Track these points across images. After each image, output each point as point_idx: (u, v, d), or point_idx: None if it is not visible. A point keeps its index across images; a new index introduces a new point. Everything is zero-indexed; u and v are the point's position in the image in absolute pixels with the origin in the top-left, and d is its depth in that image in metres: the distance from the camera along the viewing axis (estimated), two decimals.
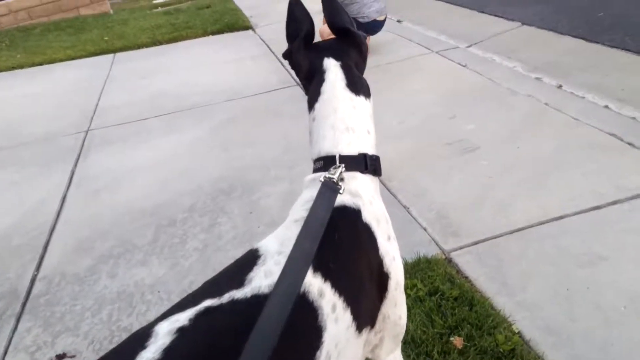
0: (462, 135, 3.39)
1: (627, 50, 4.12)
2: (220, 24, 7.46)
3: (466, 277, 2.20)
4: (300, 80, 1.29)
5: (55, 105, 5.20)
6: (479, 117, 3.61)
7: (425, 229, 2.56)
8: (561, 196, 2.60)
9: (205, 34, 7.24)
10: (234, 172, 3.41)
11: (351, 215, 1.05)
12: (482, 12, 6.01)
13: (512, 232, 2.42)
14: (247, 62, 5.80)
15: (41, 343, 2.23)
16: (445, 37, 5.48)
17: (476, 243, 2.40)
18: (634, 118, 3.23)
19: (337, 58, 1.22)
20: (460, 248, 2.39)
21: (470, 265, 2.27)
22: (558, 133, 3.20)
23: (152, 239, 2.86)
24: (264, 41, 6.49)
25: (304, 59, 1.22)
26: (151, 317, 2.27)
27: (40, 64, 6.79)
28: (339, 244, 1.00)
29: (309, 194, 1.09)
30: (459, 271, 2.25)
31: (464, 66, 4.57)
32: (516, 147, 3.14)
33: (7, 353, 2.20)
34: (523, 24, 5.30)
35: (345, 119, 1.15)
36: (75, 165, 3.85)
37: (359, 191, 1.08)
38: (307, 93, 1.26)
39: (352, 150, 1.12)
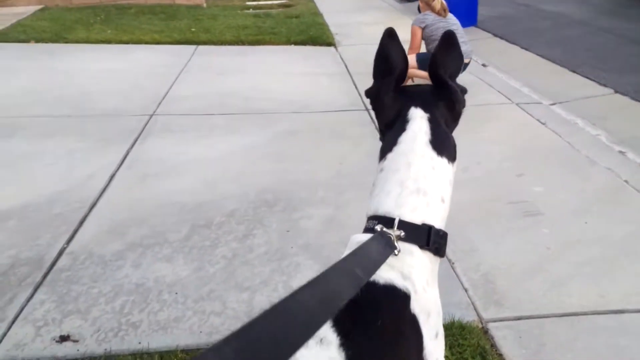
0: (527, 196, 3.15)
1: None
2: (304, 36, 7.48)
3: (500, 355, 1.99)
4: (378, 124, 1.12)
5: (129, 85, 5.30)
6: (549, 180, 3.36)
7: (466, 290, 2.35)
8: (625, 288, 2.33)
9: (288, 42, 7.27)
10: (282, 186, 3.32)
11: (399, 300, 0.87)
12: (574, 71, 5.71)
13: (562, 316, 2.18)
14: (322, 78, 5.74)
15: (49, 319, 2.18)
16: (528, 90, 5.23)
17: (519, 318, 2.18)
18: None
19: (425, 109, 1.04)
20: (501, 320, 2.17)
21: (507, 341, 2.05)
22: (634, 216, 2.91)
23: (185, 236, 2.79)
24: (343, 60, 6.43)
25: (390, 102, 1.05)
26: (162, 318, 2.19)
27: (127, 42, 7.01)
28: (381, 333, 0.82)
29: None
30: (493, 346, 2.04)
31: (543, 124, 4.32)
32: (584, 221, 2.88)
33: (15, 322, 2.16)
34: (616, 91, 4.97)
35: (419, 179, 0.96)
36: (132, 146, 3.87)
37: (412, 273, 0.89)
38: (382, 139, 1.09)
39: (415, 217, 0.94)
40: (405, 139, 1.01)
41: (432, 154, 0.99)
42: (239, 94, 5.09)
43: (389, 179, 0.98)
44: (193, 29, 7.73)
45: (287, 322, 0.50)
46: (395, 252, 0.87)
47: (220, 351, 0.40)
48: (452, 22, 5.01)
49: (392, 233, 0.89)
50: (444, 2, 5.05)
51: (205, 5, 9.91)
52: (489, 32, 7.81)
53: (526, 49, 6.71)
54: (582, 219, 2.90)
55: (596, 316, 2.18)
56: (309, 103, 4.84)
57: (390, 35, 1.05)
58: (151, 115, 4.47)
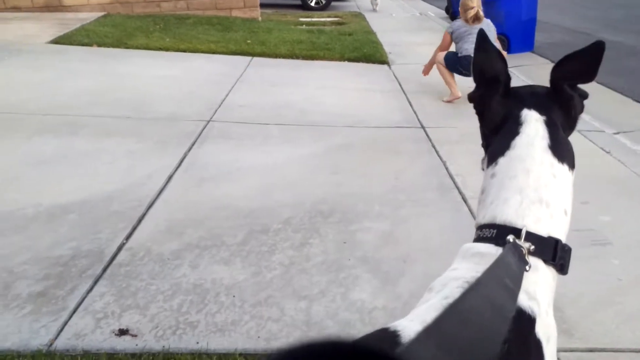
0: (593, 225, 3.02)
1: None
2: (358, 53, 7.49)
3: None
4: (482, 128, 1.06)
5: (186, 91, 5.39)
6: (617, 210, 3.22)
7: None
8: None
9: (342, 58, 7.29)
10: (338, 198, 3.28)
11: (524, 323, 0.78)
12: (638, 101, 5.52)
13: (638, 351, 2.05)
14: (376, 94, 5.71)
15: (109, 312, 2.18)
16: (590, 118, 5.06)
17: (592, 350, 2.06)
18: None
19: (541, 111, 0.96)
20: (572, 350, 2.06)
21: None
22: None
23: (242, 240, 2.77)
24: (397, 78, 6.40)
25: (497, 105, 0.99)
26: (220, 320, 2.16)
27: (184, 51, 7.15)
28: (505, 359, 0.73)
29: (462, 273, 0.84)
30: None
31: (607, 152, 4.16)
32: None
33: (75, 312, 2.17)
34: None
35: (540, 188, 0.88)
36: (189, 150, 3.90)
37: (537, 292, 0.80)
38: (485, 143, 1.03)
39: (540, 229, 0.85)
40: (519, 143, 0.93)
41: (553, 160, 0.91)
42: (294, 106, 5.10)
43: (505, 185, 0.90)
44: (248, 41, 7.84)
45: (477, 321, 0.44)
46: (527, 267, 0.79)
47: (423, 344, 0.35)
48: (474, 31, 5.10)
49: (523, 246, 0.81)
50: (480, 13, 5.15)
51: (260, 19, 10.07)
52: (546, 57, 7.65)
53: None
54: None
55: None
56: (363, 118, 4.81)
57: (484, 39, 0.99)
58: (208, 122, 4.51)
